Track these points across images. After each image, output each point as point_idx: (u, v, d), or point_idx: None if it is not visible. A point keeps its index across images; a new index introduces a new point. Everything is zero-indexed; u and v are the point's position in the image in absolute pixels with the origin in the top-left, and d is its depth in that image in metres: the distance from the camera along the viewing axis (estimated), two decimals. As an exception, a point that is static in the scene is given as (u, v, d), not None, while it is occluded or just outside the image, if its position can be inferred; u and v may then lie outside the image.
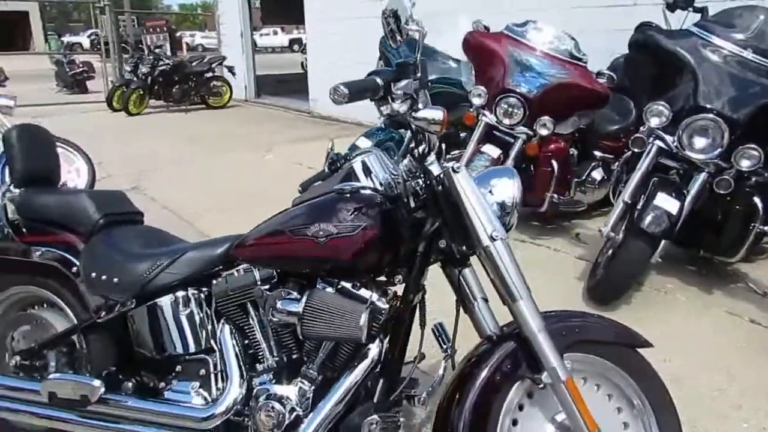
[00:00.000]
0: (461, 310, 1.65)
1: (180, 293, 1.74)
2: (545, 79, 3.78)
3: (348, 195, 1.58)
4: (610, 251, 3.06)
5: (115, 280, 1.75)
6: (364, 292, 1.59)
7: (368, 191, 1.62)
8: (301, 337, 1.60)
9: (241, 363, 1.68)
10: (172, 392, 1.74)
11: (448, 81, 4.75)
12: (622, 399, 1.62)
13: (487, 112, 3.91)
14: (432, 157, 1.58)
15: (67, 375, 1.76)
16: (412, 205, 1.63)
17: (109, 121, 9.59)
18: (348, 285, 1.60)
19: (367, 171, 1.69)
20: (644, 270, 3.02)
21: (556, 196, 3.87)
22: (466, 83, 4.69)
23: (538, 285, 3.21)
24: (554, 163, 3.81)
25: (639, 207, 2.92)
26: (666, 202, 2.90)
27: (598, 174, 4.27)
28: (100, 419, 1.73)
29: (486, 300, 1.64)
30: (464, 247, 1.56)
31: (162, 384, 1.77)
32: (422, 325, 1.77)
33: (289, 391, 1.61)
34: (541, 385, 1.51)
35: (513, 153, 3.85)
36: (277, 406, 1.59)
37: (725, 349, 2.68)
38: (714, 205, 3.05)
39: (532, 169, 3.92)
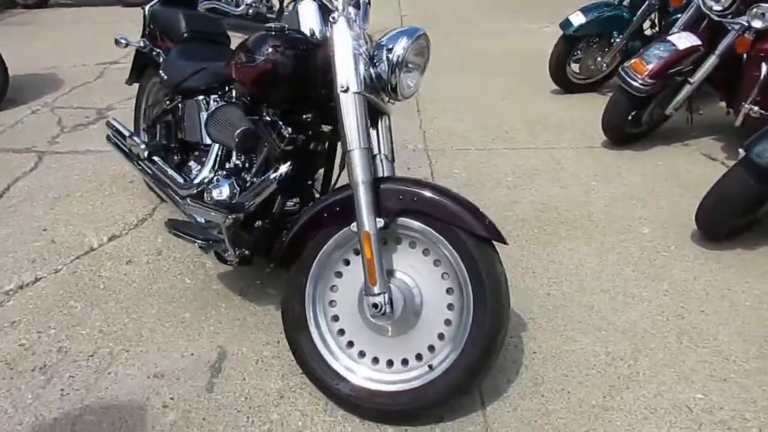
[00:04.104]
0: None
1: (201, 97, 2.27)
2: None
3: (273, 33, 1.82)
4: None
5: (165, 77, 2.36)
6: (272, 119, 1.87)
7: (293, 34, 1.83)
8: (208, 139, 2.01)
9: (218, 158, 2.16)
10: (187, 169, 2.35)
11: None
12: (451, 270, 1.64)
13: (700, -8, 3.21)
14: (340, 8, 1.68)
15: (133, 137, 2.48)
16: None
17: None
18: (266, 112, 1.89)
19: (310, 16, 1.88)
20: (744, 211, 2.33)
21: (756, 108, 3.07)
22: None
23: (671, 204, 2.82)
24: (764, 67, 2.99)
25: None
26: None
27: None
28: (147, 172, 2.45)
29: (387, 156, 1.78)
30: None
31: (188, 163, 2.40)
32: (341, 166, 1.99)
33: (225, 187, 2.05)
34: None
35: (720, 48, 3.15)
36: (215, 193, 2.05)
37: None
38: None
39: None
